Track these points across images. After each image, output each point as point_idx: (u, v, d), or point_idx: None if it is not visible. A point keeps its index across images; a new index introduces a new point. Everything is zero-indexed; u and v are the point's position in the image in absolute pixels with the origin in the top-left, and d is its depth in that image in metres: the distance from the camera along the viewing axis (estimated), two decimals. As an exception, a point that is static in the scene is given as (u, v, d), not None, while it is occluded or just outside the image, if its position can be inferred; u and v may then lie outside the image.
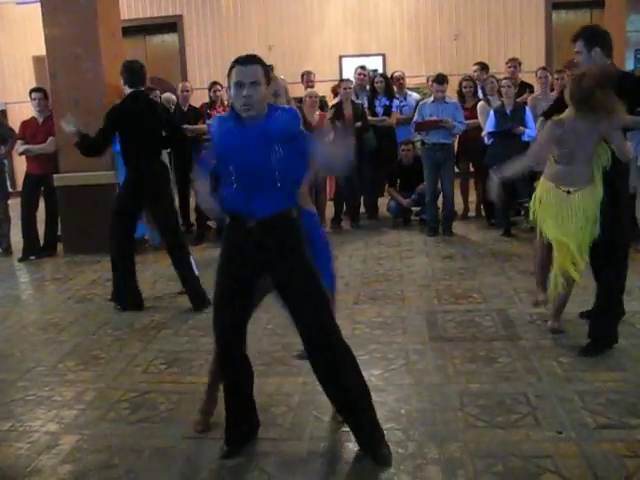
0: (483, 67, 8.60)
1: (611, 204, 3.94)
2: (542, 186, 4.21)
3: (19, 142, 7.46)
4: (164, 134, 5.45)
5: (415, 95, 9.01)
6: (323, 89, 9.35)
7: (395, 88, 8.71)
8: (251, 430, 3.24)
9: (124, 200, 5.36)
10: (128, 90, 5.32)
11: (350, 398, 3.04)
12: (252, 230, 2.90)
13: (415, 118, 7.53)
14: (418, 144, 8.24)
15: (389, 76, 9.00)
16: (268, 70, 2.90)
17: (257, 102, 2.81)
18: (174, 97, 8.27)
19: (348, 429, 3.19)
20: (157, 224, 5.68)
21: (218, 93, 8.42)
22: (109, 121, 5.29)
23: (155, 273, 6.16)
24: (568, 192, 4.02)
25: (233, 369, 3.12)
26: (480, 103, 7.64)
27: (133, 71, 5.33)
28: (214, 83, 8.56)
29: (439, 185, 7.60)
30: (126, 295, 5.40)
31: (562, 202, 4.05)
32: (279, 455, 3.11)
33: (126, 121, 5.24)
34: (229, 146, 2.89)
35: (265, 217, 2.89)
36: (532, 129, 6.81)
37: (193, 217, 8.07)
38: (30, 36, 11.06)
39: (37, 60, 11.37)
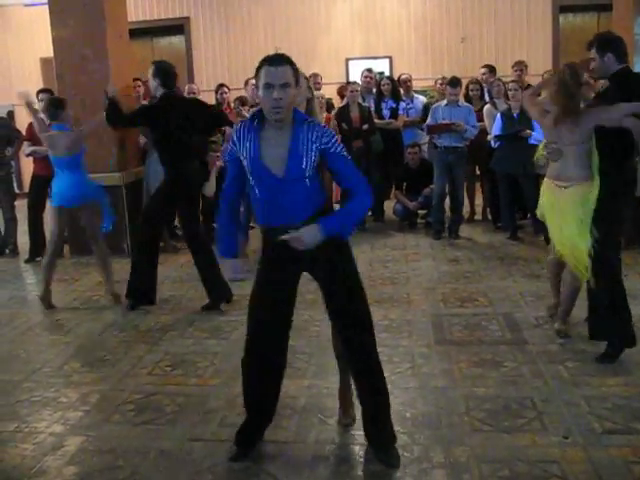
0: (491, 70, 8.58)
1: (604, 205, 3.95)
2: (544, 184, 4.34)
3: (26, 143, 7.47)
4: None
5: (422, 98, 9.00)
6: (329, 91, 9.35)
7: (402, 91, 8.70)
8: (262, 434, 3.23)
9: (161, 199, 5.43)
10: (161, 91, 5.34)
11: (381, 400, 3.10)
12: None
13: (428, 121, 7.52)
14: (425, 147, 8.24)
15: (396, 79, 8.98)
16: (297, 70, 2.83)
17: (287, 105, 2.73)
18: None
19: (353, 432, 3.19)
20: (182, 224, 5.84)
21: (225, 95, 8.43)
22: (140, 114, 5.62)
23: (161, 275, 6.14)
24: (565, 187, 4.11)
25: (262, 367, 3.08)
26: (486, 106, 7.63)
27: (166, 72, 5.38)
28: (221, 85, 8.58)
29: (447, 189, 7.59)
30: (142, 292, 5.47)
31: (559, 197, 4.14)
32: (284, 458, 3.11)
33: (160, 121, 5.26)
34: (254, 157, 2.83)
35: (304, 220, 2.82)
36: (539, 132, 6.79)
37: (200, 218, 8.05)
38: (37, 38, 11.09)
39: (44, 62, 11.39)
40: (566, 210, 4.07)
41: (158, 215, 5.46)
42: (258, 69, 2.77)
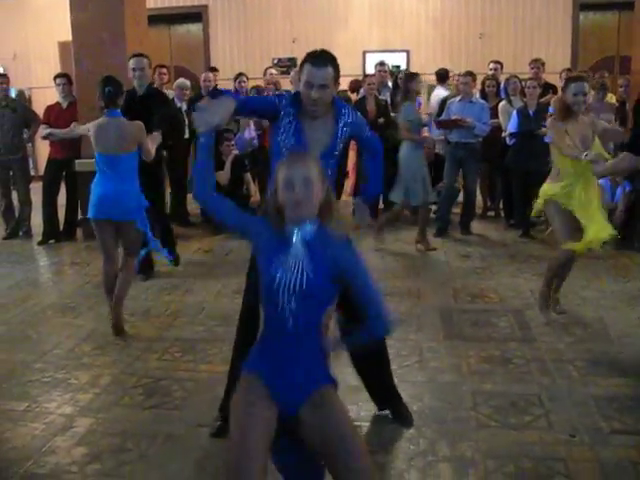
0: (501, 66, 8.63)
1: None
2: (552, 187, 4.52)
3: (42, 126, 7.51)
4: None
5: (442, 91, 8.87)
6: (346, 83, 9.34)
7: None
8: None
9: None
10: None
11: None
12: None
13: (442, 116, 7.51)
14: (438, 144, 8.20)
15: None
16: (338, 70, 2.95)
17: (324, 104, 2.91)
18: (188, 82, 8.25)
19: (358, 423, 3.21)
20: None
21: (243, 84, 8.43)
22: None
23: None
24: None
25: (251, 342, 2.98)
26: (502, 103, 7.59)
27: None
28: (240, 74, 8.58)
29: (457, 185, 7.57)
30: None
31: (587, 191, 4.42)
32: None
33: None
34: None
35: None
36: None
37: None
38: (56, 21, 11.10)
39: (62, 45, 11.43)
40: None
41: None
42: (302, 64, 2.94)
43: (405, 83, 6.85)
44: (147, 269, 5.86)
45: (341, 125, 3.03)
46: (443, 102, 8.32)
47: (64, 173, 7.63)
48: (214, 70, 9.38)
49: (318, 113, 2.95)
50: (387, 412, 3.39)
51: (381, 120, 7.78)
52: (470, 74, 7.32)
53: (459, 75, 8.36)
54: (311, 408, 2.17)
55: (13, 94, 9.33)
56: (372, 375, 3.37)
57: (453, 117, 7.22)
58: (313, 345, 2.22)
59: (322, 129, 3.00)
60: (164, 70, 8.27)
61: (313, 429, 2.15)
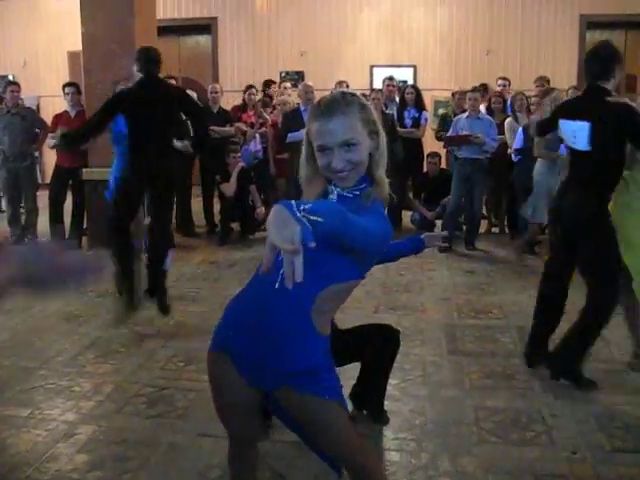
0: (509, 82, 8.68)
1: None
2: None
3: (50, 135, 7.56)
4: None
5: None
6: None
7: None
8: None
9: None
10: (138, 75, 4.97)
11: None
12: None
13: (449, 132, 7.54)
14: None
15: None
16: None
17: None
18: (194, 94, 8.28)
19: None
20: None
21: (252, 97, 8.47)
22: (110, 103, 4.96)
23: (177, 272, 6.21)
24: None
25: None
26: (507, 120, 7.62)
27: (146, 56, 4.98)
28: (250, 86, 8.61)
29: (462, 202, 7.59)
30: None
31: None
32: (292, 458, 3.13)
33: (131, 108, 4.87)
34: None
35: None
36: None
37: (217, 218, 8.12)
38: (66, 31, 11.20)
39: (72, 55, 11.52)
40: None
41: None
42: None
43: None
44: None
45: None
46: (442, 118, 8.39)
47: (70, 181, 7.68)
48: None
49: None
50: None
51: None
52: (479, 89, 7.34)
53: (460, 93, 8.39)
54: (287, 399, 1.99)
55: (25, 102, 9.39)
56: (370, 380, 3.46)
57: (462, 133, 7.25)
58: (296, 325, 1.92)
59: None
60: (172, 81, 8.31)
61: (286, 417, 2.07)
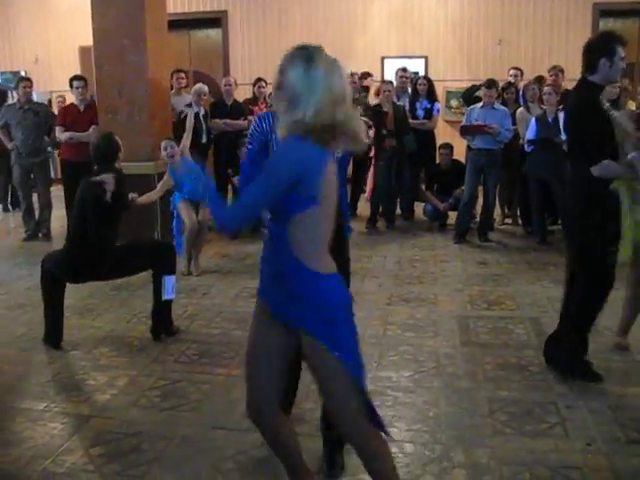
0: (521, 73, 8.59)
1: None
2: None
3: (58, 129, 7.58)
4: None
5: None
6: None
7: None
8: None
9: None
10: None
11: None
12: None
13: (463, 122, 7.50)
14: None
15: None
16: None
17: None
18: (205, 88, 8.24)
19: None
20: None
21: (262, 90, 8.46)
22: None
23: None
24: None
25: None
26: (519, 110, 7.55)
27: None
28: (259, 79, 8.60)
29: (476, 193, 7.56)
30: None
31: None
32: (306, 451, 3.13)
33: None
34: None
35: None
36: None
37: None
38: (77, 26, 11.23)
39: (83, 50, 11.56)
40: None
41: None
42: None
43: None
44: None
45: None
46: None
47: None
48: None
49: None
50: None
51: (384, 132, 7.79)
52: (493, 84, 7.28)
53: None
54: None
55: (36, 98, 9.43)
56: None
57: (476, 123, 7.21)
58: (291, 268, 2.22)
59: None
60: (182, 75, 8.32)
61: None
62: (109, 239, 4.46)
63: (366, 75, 9.79)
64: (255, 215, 2.32)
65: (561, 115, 6.36)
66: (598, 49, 3.74)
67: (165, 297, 4.52)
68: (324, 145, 2.18)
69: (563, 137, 6.61)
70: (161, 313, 4.59)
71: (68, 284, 4.60)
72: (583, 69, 3.82)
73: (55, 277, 4.51)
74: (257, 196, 2.19)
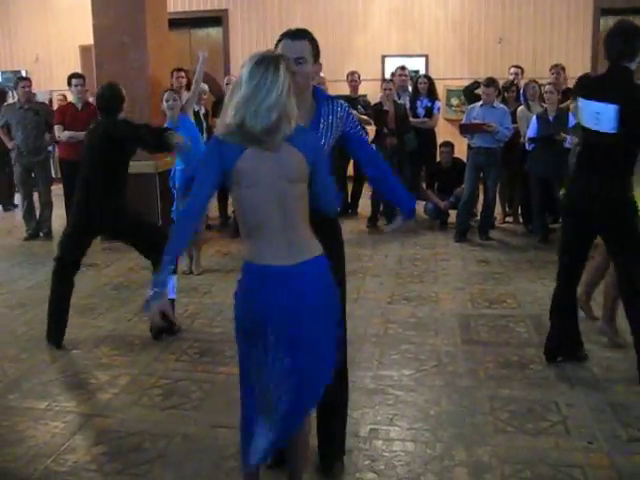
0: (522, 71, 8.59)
1: None
2: None
3: (57, 127, 7.57)
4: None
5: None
6: (365, 88, 9.35)
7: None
8: None
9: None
10: None
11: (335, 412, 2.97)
12: None
13: (463, 121, 7.50)
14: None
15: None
16: (317, 46, 2.70)
17: (301, 80, 2.57)
18: (206, 87, 8.22)
19: (375, 427, 3.21)
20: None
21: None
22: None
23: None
24: None
25: None
26: (520, 108, 7.55)
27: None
28: None
29: (476, 191, 7.56)
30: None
31: None
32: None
33: None
34: None
35: None
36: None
37: (230, 210, 8.13)
38: (77, 25, 11.23)
39: (83, 49, 11.56)
40: None
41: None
42: (278, 42, 2.65)
43: None
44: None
45: (323, 113, 2.71)
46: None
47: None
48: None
49: (296, 90, 2.43)
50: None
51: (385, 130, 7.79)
52: (491, 83, 7.27)
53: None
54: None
55: (38, 97, 9.44)
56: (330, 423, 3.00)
57: (475, 122, 7.21)
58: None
59: (301, 113, 2.60)
60: (182, 74, 8.30)
61: None
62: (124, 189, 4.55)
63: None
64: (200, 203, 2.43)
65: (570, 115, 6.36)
66: (638, 35, 3.58)
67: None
68: (241, 143, 2.28)
69: (568, 139, 6.61)
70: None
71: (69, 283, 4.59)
72: (619, 55, 3.61)
73: (69, 264, 4.54)
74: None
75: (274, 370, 2.33)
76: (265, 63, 2.27)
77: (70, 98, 8.27)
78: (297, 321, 2.33)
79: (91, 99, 7.83)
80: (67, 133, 7.44)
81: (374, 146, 7.85)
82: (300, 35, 2.64)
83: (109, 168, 4.44)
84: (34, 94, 8.63)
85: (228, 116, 2.28)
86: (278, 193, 2.31)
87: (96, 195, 4.41)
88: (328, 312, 2.42)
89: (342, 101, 2.85)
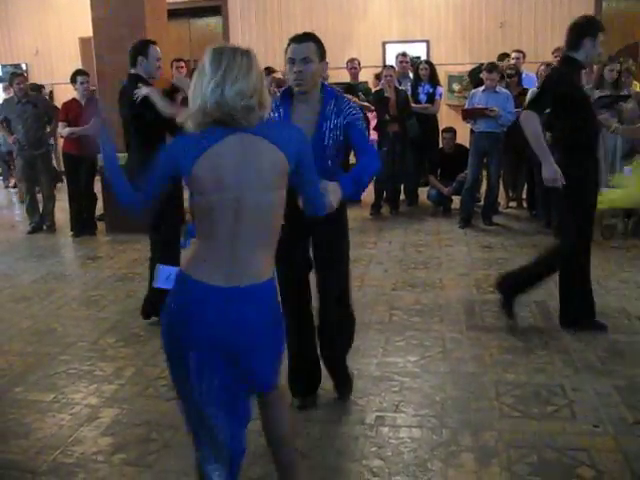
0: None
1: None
2: None
3: (61, 124, 7.57)
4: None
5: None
6: (366, 75, 9.32)
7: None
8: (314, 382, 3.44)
9: None
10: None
11: (339, 355, 3.42)
12: None
13: (465, 106, 7.47)
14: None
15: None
16: (322, 47, 3.01)
17: (308, 78, 2.92)
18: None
19: (382, 414, 3.21)
20: None
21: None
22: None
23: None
24: None
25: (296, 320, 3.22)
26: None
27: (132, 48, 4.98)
28: (266, 68, 8.54)
29: (480, 176, 7.53)
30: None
31: None
32: (313, 436, 3.14)
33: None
34: None
35: None
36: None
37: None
38: (77, 17, 11.20)
39: (83, 41, 11.53)
40: None
41: None
42: (287, 48, 2.99)
43: None
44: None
45: (330, 108, 3.00)
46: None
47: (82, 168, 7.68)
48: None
49: (304, 88, 2.95)
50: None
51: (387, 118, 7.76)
52: (494, 68, 7.23)
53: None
54: None
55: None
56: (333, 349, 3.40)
57: (478, 106, 7.18)
58: None
59: (309, 111, 2.99)
60: (182, 64, 8.29)
61: None
62: None
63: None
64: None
65: None
66: (584, 28, 4.05)
67: (155, 284, 4.13)
68: (214, 126, 2.10)
69: None
70: (152, 297, 4.49)
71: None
72: (566, 46, 4.12)
73: None
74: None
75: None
76: (228, 49, 2.17)
77: (69, 91, 8.25)
78: (227, 353, 2.13)
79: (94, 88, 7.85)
80: (67, 130, 7.42)
81: (376, 133, 7.86)
82: (305, 38, 2.97)
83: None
84: (33, 84, 8.64)
85: (197, 104, 2.09)
86: (237, 203, 2.08)
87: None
88: (269, 347, 2.21)
89: (356, 106, 3.14)
